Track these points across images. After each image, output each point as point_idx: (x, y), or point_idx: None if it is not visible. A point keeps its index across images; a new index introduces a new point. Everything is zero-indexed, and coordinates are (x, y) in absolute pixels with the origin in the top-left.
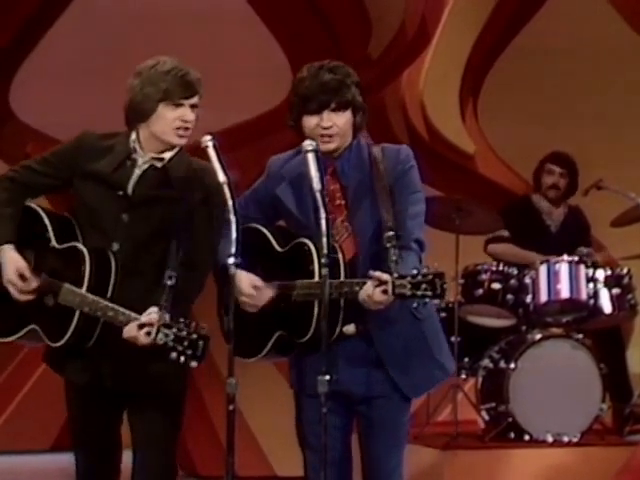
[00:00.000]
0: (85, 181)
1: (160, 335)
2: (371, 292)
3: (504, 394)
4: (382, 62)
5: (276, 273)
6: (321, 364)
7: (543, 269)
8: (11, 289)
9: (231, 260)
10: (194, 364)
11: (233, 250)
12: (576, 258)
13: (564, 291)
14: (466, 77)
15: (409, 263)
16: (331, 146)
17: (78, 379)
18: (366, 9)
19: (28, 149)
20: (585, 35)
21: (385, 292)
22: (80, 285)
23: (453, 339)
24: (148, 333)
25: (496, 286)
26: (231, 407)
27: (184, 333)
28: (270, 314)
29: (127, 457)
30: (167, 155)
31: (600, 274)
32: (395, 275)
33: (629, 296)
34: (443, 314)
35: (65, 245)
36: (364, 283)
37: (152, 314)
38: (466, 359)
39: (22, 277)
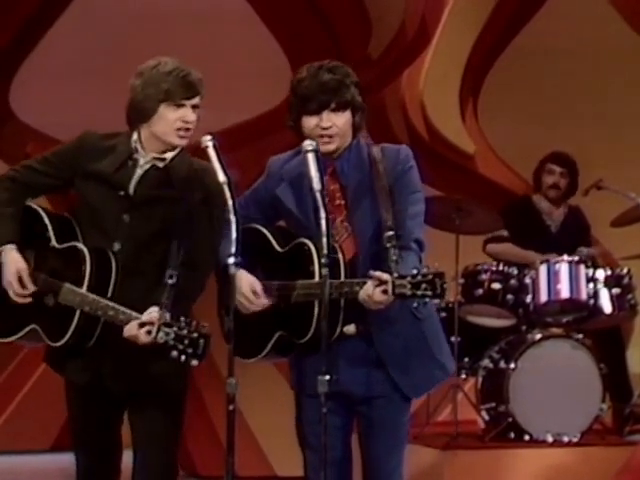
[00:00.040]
0: (86, 181)
1: (161, 334)
2: (371, 292)
3: (504, 394)
4: (382, 62)
5: (276, 273)
6: (321, 364)
7: (543, 269)
8: (9, 291)
9: (231, 260)
10: (195, 363)
11: (233, 250)
12: (576, 258)
13: (564, 291)
14: (466, 77)
15: (409, 263)
16: (331, 147)
17: (79, 379)
18: (366, 9)
19: (28, 149)
20: (585, 35)
21: (385, 292)
22: (80, 285)
23: (453, 339)
24: (149, 332)
25: (496, 286)
26: (231, 407)
27: (185, 332)
28: (270, 314)
29: (128, 457)
30: (169, 155)
31: (600, 274)
32: (395, 275)
33: (629, 296)
34: (443, 314)
35: (65, 245)
36: (364, 283)
37: (153, 313)
38: (466, 359)
39: (20, 280)
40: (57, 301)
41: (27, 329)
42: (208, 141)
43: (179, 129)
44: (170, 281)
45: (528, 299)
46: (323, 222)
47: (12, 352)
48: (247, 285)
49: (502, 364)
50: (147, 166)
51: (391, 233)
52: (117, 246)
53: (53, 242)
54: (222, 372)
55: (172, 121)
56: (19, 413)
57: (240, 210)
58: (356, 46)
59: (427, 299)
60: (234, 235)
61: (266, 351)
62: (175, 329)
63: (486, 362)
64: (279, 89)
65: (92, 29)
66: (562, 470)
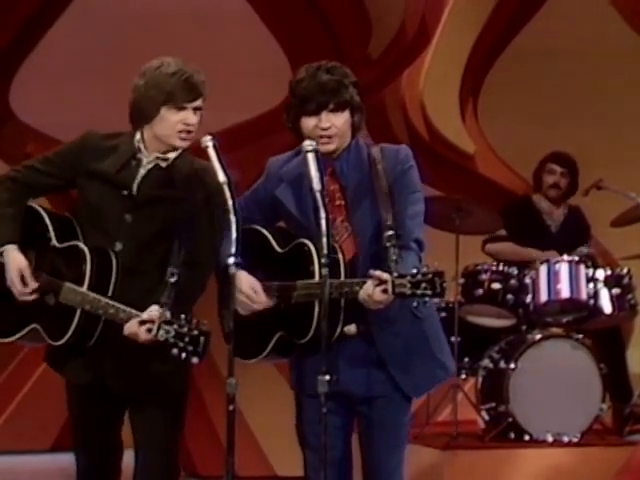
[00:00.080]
0: (88, 181)
1: (161, 332)
2: (371, 291)
3: (504, 394)
4: (382, 62)
5: (276, 274)
6: (321, 364)
7: (543, 269)
8: (13, 290)
9: (231, 260)
10: (195, 360)
11: (233, 250)
12: (576, 258)
13: (564, 291)
14: (466, 77)
15: (409, 262)
16: (330, 147)
17: (80, 379)
18: (366, 9)
19: (28, 149)
20: (585, 35)
21: (385, 291)
22: (81, 284)
23: (453, 339)
24: (149, 330)
25: (496, 286)
26: (231, 407)
27: (185, 329)
28: (270, 315)
29: (129, 457)
30: (171, 155)
31: (600, 274)
32: (395, 274)
33: (629, 296)
34: (443, 314)
35: (66, 244)
36: (364, 283)
37: (153, 311)
38: (466, 359)
39: (22, 278)
40: (58, 300)
41: (28, 329)
42: (208, 141)
43: (181, 131)
44: (171, 279)
45: (528, 299)
46: (323, 222)
47: (12, 352)
48: (247, 285)
49: (502, 364)
50: (150, 166)
51: (391, 233)
52: (119, 246)
53: (54, 242)
54: (222, 372)
55: (174, 123)
56: (19, 413)
57: (240, 211)
58: (356, 46)
59: (427, 298)
60: (234, 235)
61: (266, 352)
62: (175, 327)
63: (486, 362)
64: (279, 89)
65: (92, 29)
66: (562, 470)
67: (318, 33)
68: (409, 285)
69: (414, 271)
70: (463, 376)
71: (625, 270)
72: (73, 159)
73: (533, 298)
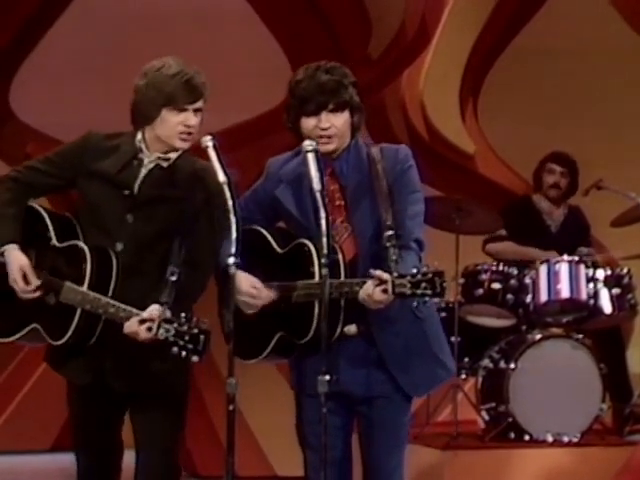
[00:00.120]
0: (89, 181)
1: (161, 330)
2: (371, 291)
3: (504, 394)
4: (382, 62)
5: (276, 274)
6: (321, 364)
7: (543, 269)
8: (16, 288)
9: (231, 260)
10: (195, 359)
11: (233, 250)
12: (576, 258)
13: (564, 291)
14: (466, 77)
15: (409, 262)
16: (330, 147)
17: (80, 379)
18: (366, 9)
19: (28, 149)
20: (585, 35)
21: (385, 291)
22: (81, 283)
23: (453, 339)
24: (149, 328)
25: (496, 286)
26: (231, 407)
27: (185, 328)
28: (271, 315)
29: (130, 457)
30: (172, 155)
31: (600, 274)
32: (395, 274)
33: (629, 296)
34: (443, 314)
35: (66, 243)
36: (364, 283)
37: (153, 310)
38: (466, 359)
39: (25, 277)
40: (58, 300)
41: (28, 328)
42: (208, 141)
43: (181, 133)
44: (172, 278)
45: (528, 299)
46: (323, 222)
47: (12, 352)
48: (247, 284)
49: (502, 364)
50: (151, 166)
51: (391, 233)
52: (120, 246)
53: (54, 241)
54: (222, 372)
55: (174, 125)
56: (19, 413)
57: (240, 211)
58: (356, 46)
59: (427, 298)
60: (234, 235)
61: (267, 352)
62: (175, 325)
63: (486, 362)
64: (279, 89)
65: (92, 29)
66: (562, 470)
67: (318, 33)
68: (409, 285)
69: (414, 271)
70: (463, 376)
71: (625, 270)
72: (74, 159)
73: (533, 298)
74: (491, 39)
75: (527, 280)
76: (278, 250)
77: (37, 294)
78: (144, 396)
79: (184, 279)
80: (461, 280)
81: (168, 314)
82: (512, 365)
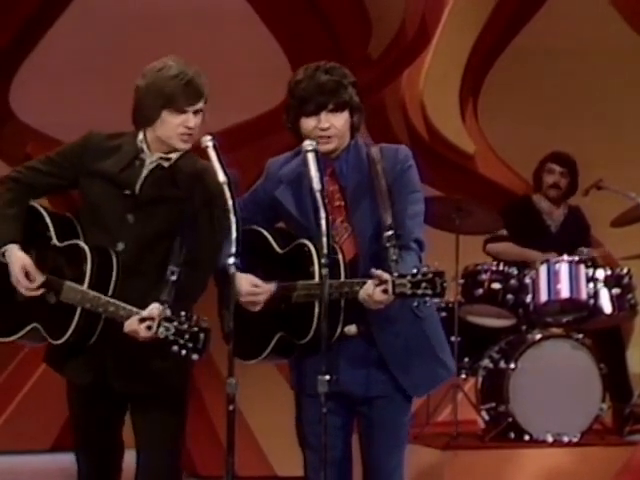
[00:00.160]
0: (91, 181)
1: (161, 329)
2: (371, 291)
3: (504, 394)
4: (382, 62)
5: (276, 275)
6: (321, 364)
7: (543, 269)
8: (19, 288)
9: (231, 260)
10: (195, 357)
11: (233, 250)
12: (576, 258)
13: (564, 291)
14: (466, 77)
15: (409, 262)
16: (330, 147)
17: (81, 379)
18: (366, 9)
19: (28, 149)
20: (585, 35)
21: (385, 291)
22: (81, 283)
23: (453, 339)
24: (149, 327)
25: (496, 286)
26: (231, 407)
27: (185, 326)
28: (271, 315)
29: (131, 457)
30: (174, 155)
31: (600, 274)
32: (395, 274)
33: (629, 296)
34: (443, 314)
35: (66, 243)
36: (364, 283)
37: (153, 309)
38: (466, 359)
39: (27, 274)
40: (59, 299)
41: (28, 328)
42: (208, 141)
43: (182, 134)
44: (172, 277)
45: (528, 299)
46: (323, 222)
47: (12, 352)
48: (247, 283)
49: (502, 364)
50: (153, 166)
51: (391, 233)
52: (121, 246)
53: (54, 241)
54: (222, 372)
55: (175, 126)
56: (19, 413)
57: (240, 212)
58: (356, 46)
59: (427, 298)
60: (234, 235)
61: (267, 352)
62: (175, 324)
63: (486, 362)
64: (279, 89)
65: (92, 29)
66: (562, 470)
67: (318, 33)
68: (409, 285)
69: (414, 271)
70: (463, 376)
71: (625, 270)
72: (75, 159)
73: (533, 298)
74: (491, 39)
75: (527, 280)
76: (278, 250)
77: (40, 292)
78: (144, 396)
79: (184, 279)
80: (461, 280)
81: (168, 313)
82: (512, 365)
